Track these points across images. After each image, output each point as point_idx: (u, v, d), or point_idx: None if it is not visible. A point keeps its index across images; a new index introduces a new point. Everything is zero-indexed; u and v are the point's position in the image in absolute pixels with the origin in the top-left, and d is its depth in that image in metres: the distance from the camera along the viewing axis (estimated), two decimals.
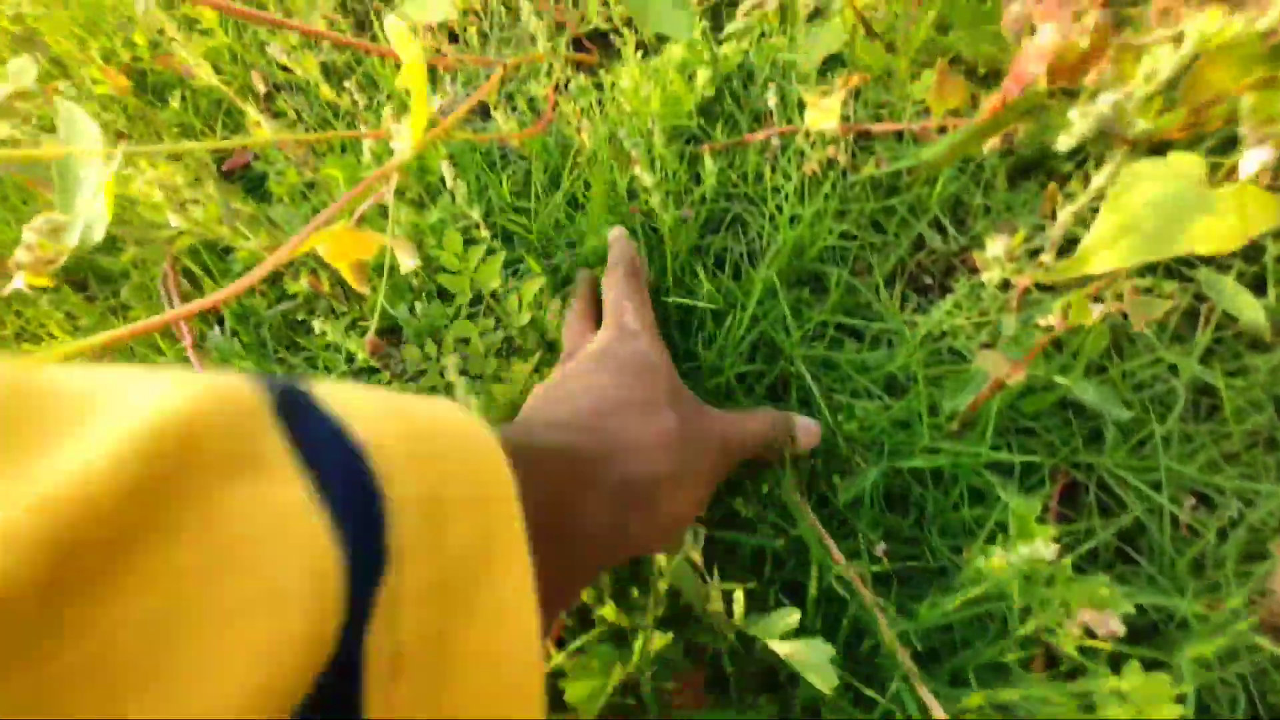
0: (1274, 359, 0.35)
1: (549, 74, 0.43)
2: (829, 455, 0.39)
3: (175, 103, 0.61)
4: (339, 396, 0.15)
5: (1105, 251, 0.19)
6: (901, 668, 0.27)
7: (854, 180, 0.47)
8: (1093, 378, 0.37)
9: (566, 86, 0.57)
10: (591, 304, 0.41)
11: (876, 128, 0.43)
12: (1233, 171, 0.17)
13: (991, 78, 0.53)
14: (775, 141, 0.49)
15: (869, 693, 0.29)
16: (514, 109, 0.57)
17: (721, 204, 0.49)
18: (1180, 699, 0.26)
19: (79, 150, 0.18)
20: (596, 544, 0.23)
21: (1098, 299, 0.24)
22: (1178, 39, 0.20)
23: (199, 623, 0.11)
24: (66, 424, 0.11)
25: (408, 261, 0.31)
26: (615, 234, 0.43)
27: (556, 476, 0.22)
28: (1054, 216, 0.30)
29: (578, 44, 0.59)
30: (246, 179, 0.58)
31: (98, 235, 0.19)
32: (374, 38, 0.64)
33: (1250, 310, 0.38)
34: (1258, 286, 0.39)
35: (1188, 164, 0.19)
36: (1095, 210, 0.22)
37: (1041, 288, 0.41)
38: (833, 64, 0.55)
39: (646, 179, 0.38)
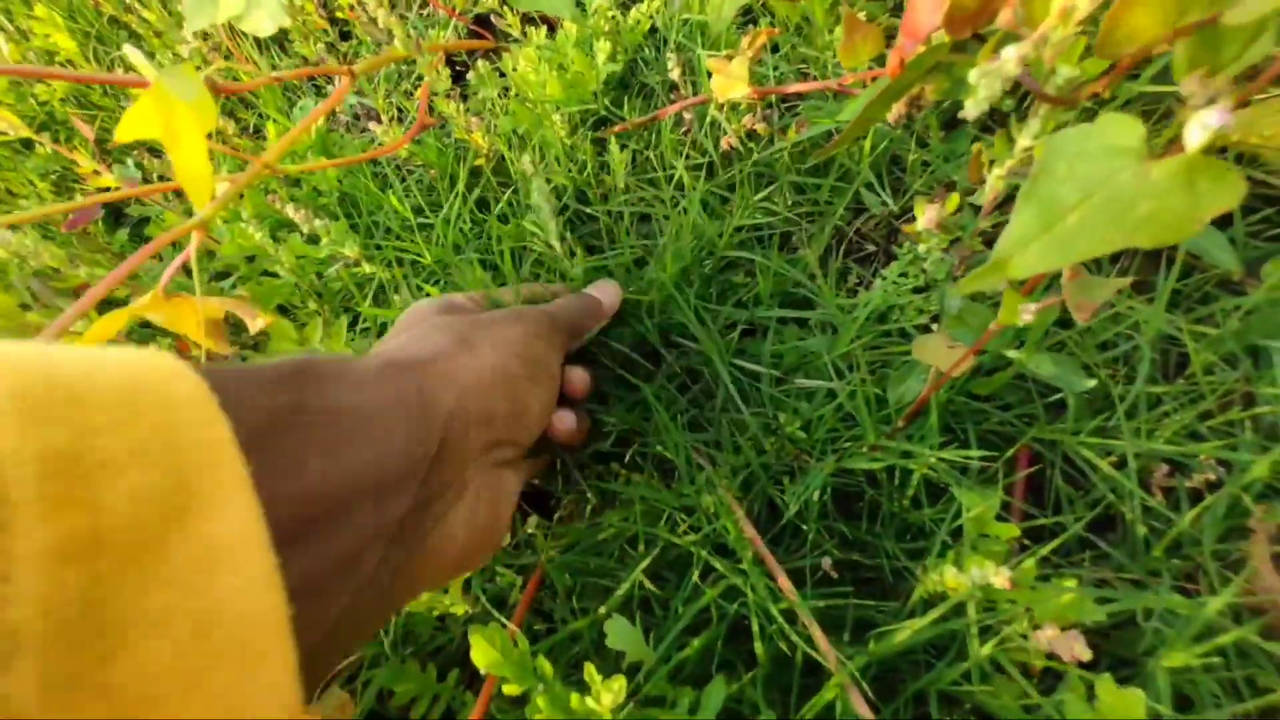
0: (1245, 301, 0.32)
1: (422, 73, 0.38)
2: (776, 457, 0.35)
3: (46, 149, 0.55)
4: None
5: (1027, 252, 0.15)
6: (854, 713, 0.25)
7: (779, 147, 0.43)
8: (1051, 345, 0.34)
9: (464, 78, 0.52)
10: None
11: (791, 89, 0.38)
12: (1175, 140, 0.13)
13: None
14: (688, 115, 0.44)
15: None
16: (403, 115, 0.52)
17: (637, 191, 0.45)
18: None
19: None
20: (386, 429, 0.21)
21: (1031, 293, 0.20)
22: None
23: None
24: None
25: (254, 323, 0.27)
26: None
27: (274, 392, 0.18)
28: (983, 181, 0.26)
29: (474, 29, 0.53)
30: (133, 224, 0.53)
31: None
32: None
33: (1217, 247, 0.34)
34: (1224, 220, 0.35)
35: (1120, 130, 0.15)
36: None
37: (990, 244, 0.37)
38: (752, 18, 0.50)
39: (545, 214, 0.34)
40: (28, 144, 0.59)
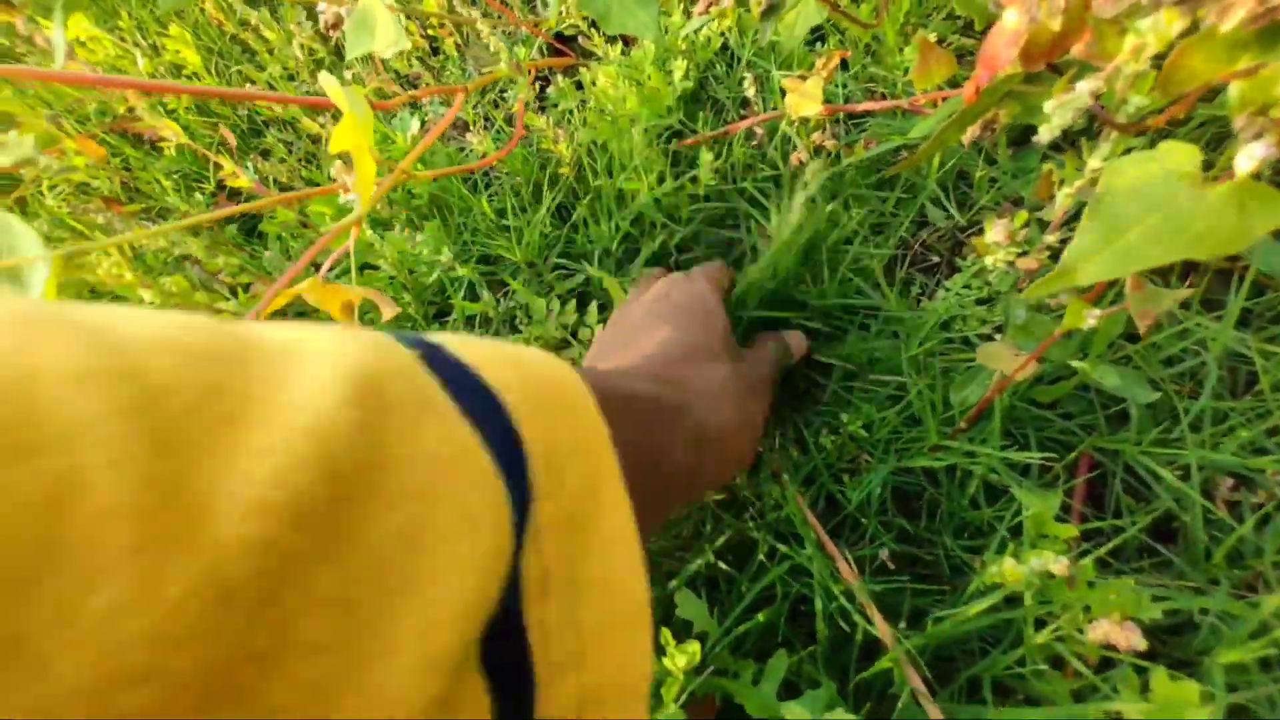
0: None
1: (518, 87, 0.42)
2: (838, 454, 0.37)
3: (170, 151, 0.62)
4: (466, 348, 0.17)
5: (1091, 262, 0.17)
6: (908, 688, 0.26)
7: (847, 162, 0.45)
8: (1116, 358, 0.35)
9: (544, 91, 0.56)
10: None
11: (862, 107, 0.40)
12: (1228, 167, 0.15)
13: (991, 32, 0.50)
14: (759, 130, 0.47)
15: None
16: (490, 124, 0.56)
17: (714, 202, 0.47)
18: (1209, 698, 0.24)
19: (19, 260, 0.19)
20: (677, 483, 0.25)
21: (1098, 301, 0.22)
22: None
23: (428, 539, 0.12)
24: (291, 368, 0.13)
25: (388, 311, 0.31)
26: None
27: (642, 423, 0.24)
28: (1052, 199, 0.28)
29: (555, 46, 0.57)
30: (243, 219, 0.59)
31: None
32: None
33: None
34: None
35: (1179, 156, 0.17)
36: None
37: (1057, 257, 0.38)
38: (821, 35, 0.52)
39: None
40: (155, 147, 0.66)
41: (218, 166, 0.61)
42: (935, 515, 0.35)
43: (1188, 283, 0.35)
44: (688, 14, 0.54)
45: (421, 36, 0.62)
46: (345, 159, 0.26)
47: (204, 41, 0.69)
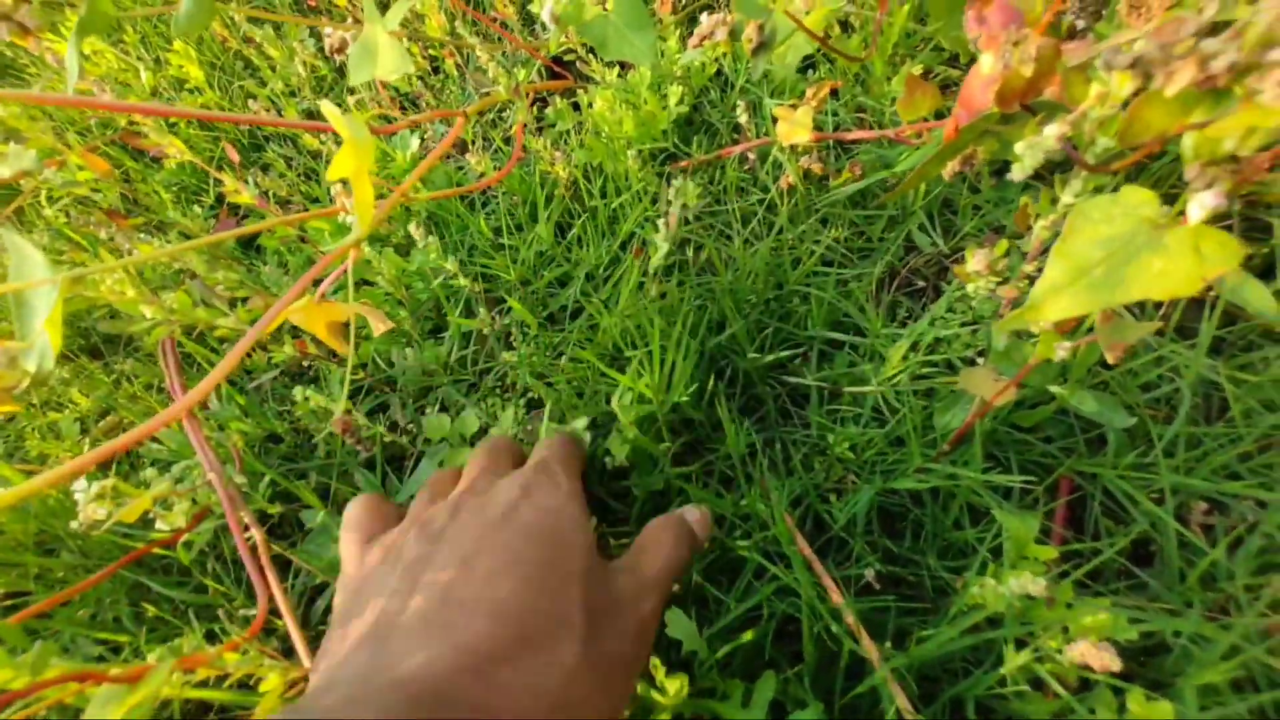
0: None
1: (517, 110, 0.43)
2: (825, 475, 0.38)
3: (171, 164, 0.63)
4: None
5: (1057, 299, 0.18)
6: (894, 707, 0.27)
7: (835, 187, 0.46)
8: (1094, 384, 0.36)
9: (543, 112, 0.57)
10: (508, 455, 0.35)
11: (850, 136, 0.41)
12: (1184, 212, 0.16)
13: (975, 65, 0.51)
14: (751, 155, 0.48)
15: None
16: (489, 144, 0.57)
17: (704, 221, 0.49)
18: None
19: (27, 283, 0.19)
20: None
21: (1073, 332, 0.23)
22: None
23: None
24: None
25: (380, 326, 0.31)
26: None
27: None
28: (1030, 229, 0.29)
29: (553, 69, 0.59)
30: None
31: (48, 365, 0.19)
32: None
33: (1259, 299, 0.36)
34: (1267, 272, 0.37)
35: (1139, 201, 0.18)
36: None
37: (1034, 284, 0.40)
38: (812, 63, 0.53)
39: None
40: (155, 159, 0.67)
41: (218, 180, 0.62)
42: (920, 536, 0.35)
43: (1161, 312, 0.36)
44: (683, 40, 0.56)
45: (423, 57, 0.63)
46: (345, 182, 0.26)
47: (207, 56, 0.70)
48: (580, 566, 0.26)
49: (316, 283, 0.30)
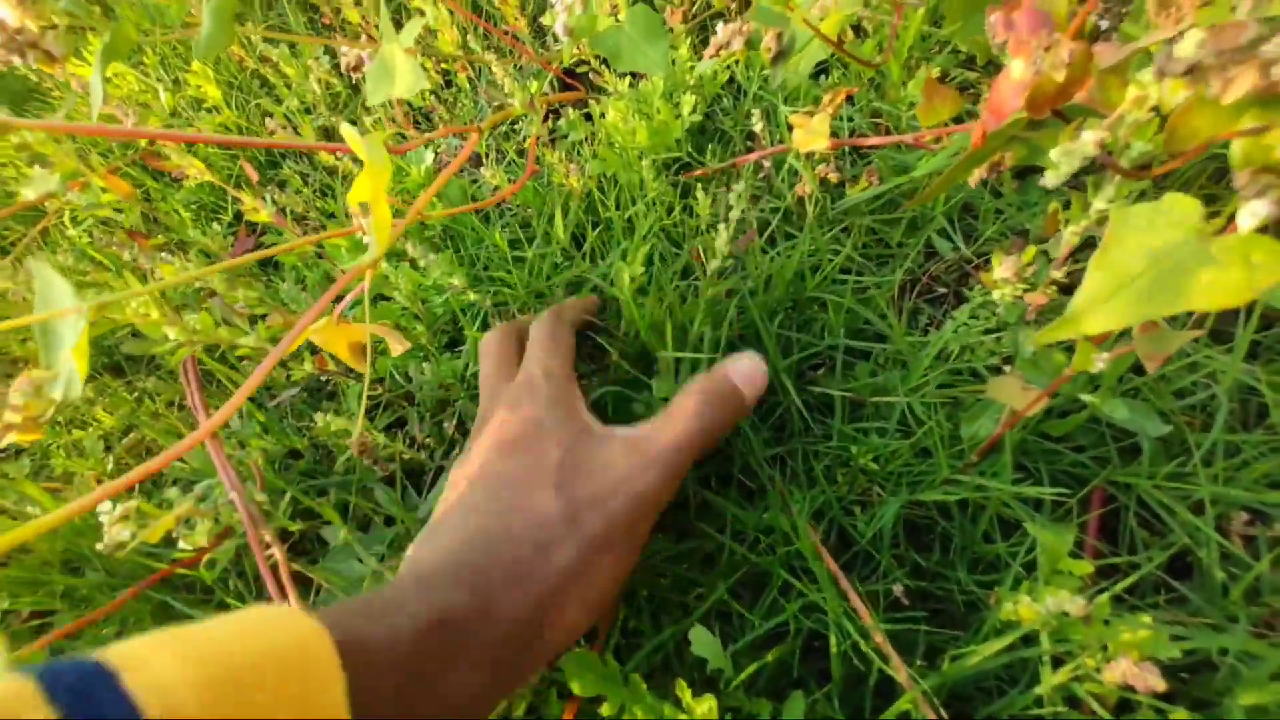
0: None
1: (531, 123, 0.43)
2: (849, 487, 0.37)
3: (190, 183, 0.63)
4: (136, 658, 0.16)
5: (1099, 312, 0.17)
6: None
7: (852, 194, 0.45)
8: (1126, 390, 0.35)
9: (556, 124, 0.57)
10: (509, 356, 0.37)
11: (868, 142, 0.41)
12: (1233, 219, 0.15)
13: (993, 67, 0.51)
14: (766, 163, 0.48)
15: None
16: (502, 157, 0.57)
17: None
18: None
19: (54, 312, 0.19)
20: (475, 697, 0.24)
21: (1104, 343, 0.22)
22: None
23: None
24: None
25: (397, 347, 0.31)
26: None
27: (416, 655, 0.22)
28: (1058, 234, 0.28)
29: (565, 80, 0.59)
30: (259, 248, 0.60)
31: (75, 391, 0.20)
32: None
33: None
34: None
35: (1183, 209, 0.17)
36: (1093, 241, 0.21)
37: (1065, 290, 0.39)
38: (825, 69, 0.53)
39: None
40: (174, 179, 0.67)
41: (236, 199, 0.63)
42: (948, 550, 0.34)
43: (1195, 318, 0.35)
44: (695, 48, 0.55)
45: (436, 72, 0.63)
46: (363, 203, 0.26)
47: (224, 76, 0.71)
48: (553, 463, 0.29)
49: (336, 299, 0.30)
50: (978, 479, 0.33)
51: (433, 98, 0.62)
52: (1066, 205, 0.28)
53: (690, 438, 0.30)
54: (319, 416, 0.35)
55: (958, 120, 0.41)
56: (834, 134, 0.44)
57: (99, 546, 0.28)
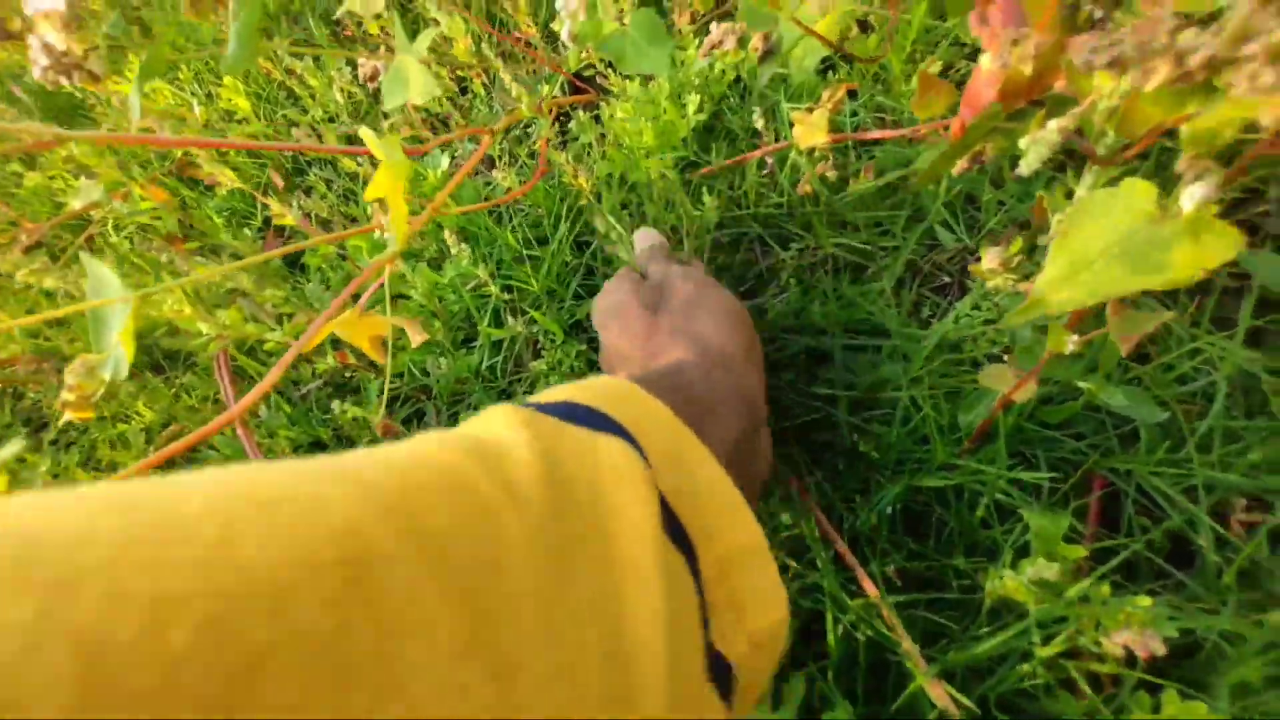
0: None
1: (541, 126, 0.44)
2: (848, 475, 0.38)
3: (222, 191, 0.67)
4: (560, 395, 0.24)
5: (1060, 292, 0.18)
6: (937, 710, 0.27)
7: (853, 190, 0.46)
8: (1124, 375, 0.35)
9: (566, 126, 0.59)
10: (635, 291, 0.40)
11: (869, 136, 0.41)
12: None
13: None
14: (770, 159, 0.49)
15: None
16: (514, 159, 0.59)
17: (728, 229, 0.49)
18: None
19: (104, 301, 0.21)
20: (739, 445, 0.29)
21: (1093, 322, 0.23)
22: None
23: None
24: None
25: (417, 337, 0.33)
26: (640, 233, 0.45)
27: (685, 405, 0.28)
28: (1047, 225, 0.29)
29: (575, 83, 0.60)
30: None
31: (122, 372, 0.22)
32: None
33: (1268, 270, 0.34)
34: None
35: (1139, 194, 0.18)
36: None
37: None
38: (831, 65, 0.54)
39: None
40: (208, 187, 0.71)
41: (265, 205, 0.66)
42: (945, 535, 0.35)
43: (1196, 303, 0.35)
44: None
45: (451, 79, 0.66)
46: (381, 201, 0.28)
47: (253, 88, 0.75)
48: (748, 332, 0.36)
49: (355, 297, 0.32)
50: (973, 465, 0.33)
51: (448, 104, 0.65)
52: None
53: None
54: (336, 404, 0.37)
55: (955, 113, 0.41)
56: (837, 129, 0.45)
57: None
